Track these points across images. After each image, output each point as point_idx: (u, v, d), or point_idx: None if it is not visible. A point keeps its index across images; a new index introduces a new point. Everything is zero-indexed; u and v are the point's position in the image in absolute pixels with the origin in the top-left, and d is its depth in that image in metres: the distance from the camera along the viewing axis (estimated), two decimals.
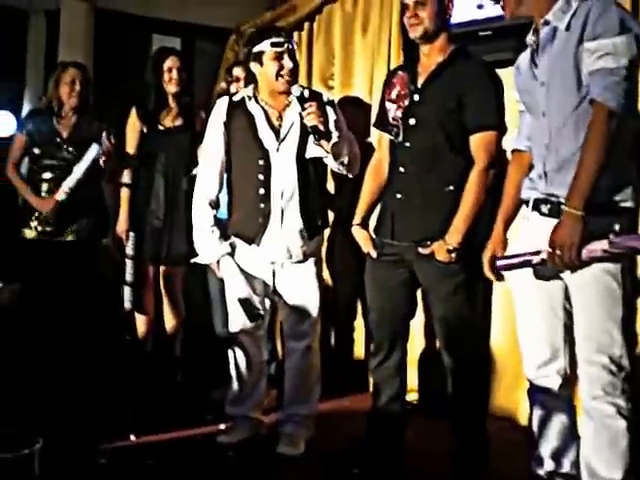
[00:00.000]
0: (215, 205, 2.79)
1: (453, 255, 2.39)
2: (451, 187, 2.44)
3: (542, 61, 1.99)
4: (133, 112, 3.41)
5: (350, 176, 2.83)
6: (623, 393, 1.90)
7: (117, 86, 4.34)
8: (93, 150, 3.29)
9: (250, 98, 2.73)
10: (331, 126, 2.67)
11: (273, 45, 2.61)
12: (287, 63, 2.64)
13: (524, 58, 2.11)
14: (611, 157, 1.80)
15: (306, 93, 2.63)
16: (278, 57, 2.63)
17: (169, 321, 3.52)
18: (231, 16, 4.74)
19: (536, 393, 2.13)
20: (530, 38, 2.05)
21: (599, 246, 1.79)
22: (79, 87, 3.46)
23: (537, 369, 2.10)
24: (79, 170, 3.31)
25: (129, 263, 3.32)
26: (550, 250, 1.83)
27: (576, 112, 1.89)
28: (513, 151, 2.23)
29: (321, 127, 2.54)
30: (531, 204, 2.05)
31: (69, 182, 3.31)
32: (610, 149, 1.79)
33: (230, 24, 4.85)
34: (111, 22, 4.67)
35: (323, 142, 2.59)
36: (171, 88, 3.38)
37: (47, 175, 3.41)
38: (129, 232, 3.35)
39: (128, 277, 3.32)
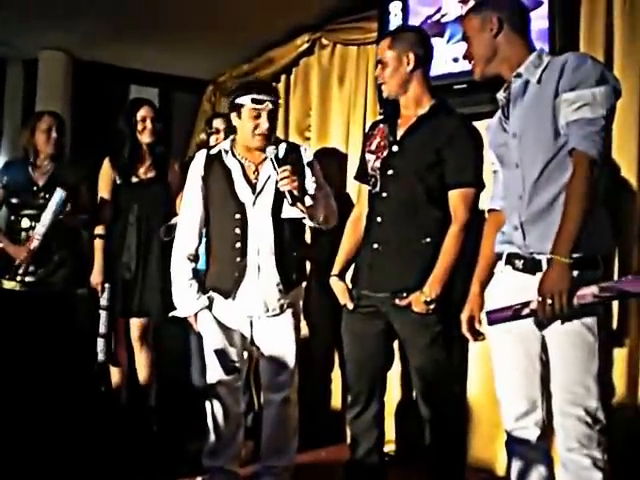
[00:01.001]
0: (194, 259, 2.77)
1: (430, 307, 2.40)
2: (428, 239, 2.46)
3: (513, 114, 2.01)
4: (106, 162, 3.44)
5: (325, 229, 2.85)
6: (599, 445, 1.89)
7: (94, 136, 4.35)
8: (57, 195, 3.29)
9: (227, 152, 2.72)
10: (307, 185, 2.68)
11: (253, 101, 2.60)
12: (263, 123, 2.61)
13: (495, 117, 2.14)
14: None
15: (281, 152, 2.61)
16: (256, 115, 2.61)
17: (141, 372, 3.49)
18: (208, 68, 4.83)
19: (514, 444, 2.11)
20: (501, 94, 2.08)
21: (589, 291, 1.78)
22: (55, 135, 3.48)
23: (515, 421, 2.08)
24: (46, 216, 3.29)
25: (103, 314, 3.31)
26: (540, 299, 1.81)
27: (552, 163, 1.91)
28: (489, 211, 2.25)
29: (295, 192, 2.52)
30: (504, 258, 2.06)
31: (39, 229, 3.30)
32: (593, 197, 1.81)
33: (207, 76, 4.94)
34: (89, 72, 4.73)
35: (298, 204, 2.58)
36: (145, 138, 3.41)
37: (25, 223, 3.40)
38: (104, 283, 3.34)
39: (102, 329, 3.30)
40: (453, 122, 2.50)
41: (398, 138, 2.55)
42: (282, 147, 2.68)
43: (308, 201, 2.61)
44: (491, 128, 2.15)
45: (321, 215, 2.70)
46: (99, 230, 3.41)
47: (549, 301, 1.79)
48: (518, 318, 1.91)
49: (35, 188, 3.43)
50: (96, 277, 3.36)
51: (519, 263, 2.00)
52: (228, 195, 2.68)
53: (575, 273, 1.81)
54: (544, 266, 1.90)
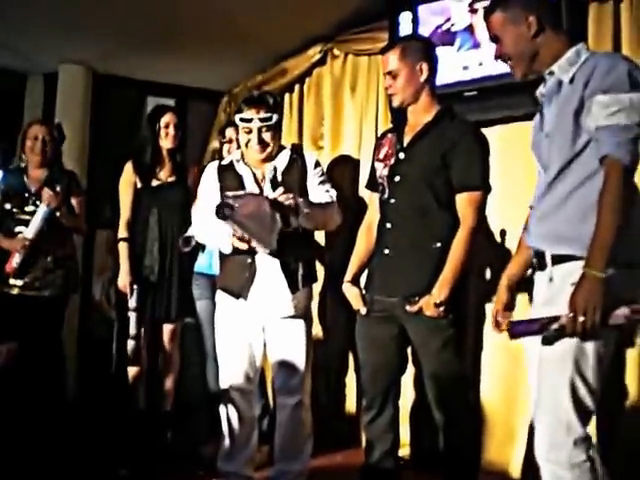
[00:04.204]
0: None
1: (441, 309, 2.42)
2: (438, 244, 2.48)
3: (548, 113, 1.94)
4: (129, 166, 3.48)
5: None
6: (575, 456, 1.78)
7: (113, 145, 4.44)
8: (46, 190, 3.39)
9: (238, 161, 2.79)
10: (310, 188, 2.74)
11: (241, 120, 2.70)
12: (253, 139, 2.68)
13: (536, 117, 2.05)
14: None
15: (282, 167, 2.72)
16: (247, 131, 2.70)
17: (167, 376, 3.53)
18: (223, 79, 4.88)
19: None
20: (539, 91, 2.00)
21: (620, 312, 1.69)
22: (41, 143, 3.54)
23: None
24: (34, 221, 3.39)
25: (132, 316, 3.33)
26: (571, 315, 1.70)
27: (570, 165, 1.84)
28: (530, 207, 2.14)
29: (291, 208, 2.53)
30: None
31: (27, 234, 3.39)
32: (628, 207, 1.71)
33: (222, 86, 5.00)
34: (107, 85, 4.81)
35: (292, 219, 2.59)
36: (167, 144, 3.47)
37: (20, 229, 3.47)
38: (132, 285, 3.36)
39: (132, 330, 3.32)
40: (458, 127, 2.52)
41: (405, 145, 2.59)
42: (283, 161, 2.75)
43: (305, 210, 2.59)
44: (534, 127, 2.05)
45: (316, 222, 2.74)
46: (122, 233, 3.45)
47: (581, 318, 1.67)
48: (544, 332, 1.80)
49: (27, 194, 3.51)
50: (124, 279, 3.38)
51: (534, 261, 1.96)
52: None
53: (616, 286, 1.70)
54: (548, 263, 1.86)
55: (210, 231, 2.71)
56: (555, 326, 1.75)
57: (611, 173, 1.72)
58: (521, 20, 1.92)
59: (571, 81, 1.85)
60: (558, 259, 1.84)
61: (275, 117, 2.72)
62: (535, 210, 1.97)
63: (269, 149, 2.73)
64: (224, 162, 2.86)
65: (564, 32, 1.95)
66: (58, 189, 3.42)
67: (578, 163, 1.83)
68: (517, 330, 1.87)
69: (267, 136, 2.70)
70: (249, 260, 2.69)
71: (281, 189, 2.58)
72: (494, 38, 1.99)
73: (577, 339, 1.75)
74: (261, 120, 2.67)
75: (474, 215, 2.47)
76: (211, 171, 2.84)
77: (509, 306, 2.13)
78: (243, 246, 2.58)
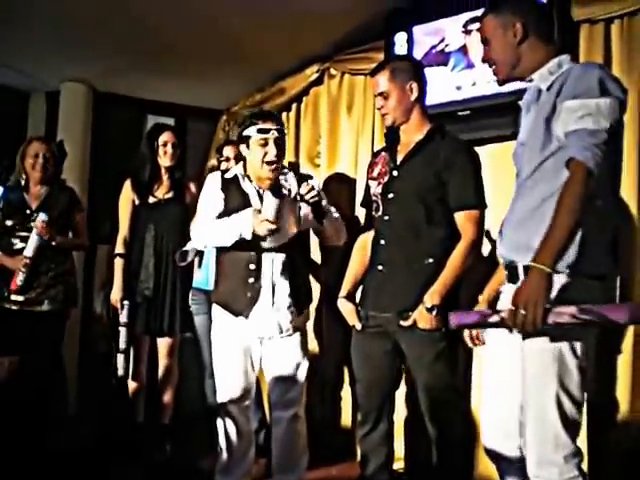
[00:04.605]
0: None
1: (434, 319, 2.45)
2: (431, 259, 2.53)
3: (525, 120, 1.97)
4: (127, 183, 3.54)
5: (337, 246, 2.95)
6: (566, 463, 1.79)
7: (113, 162, 4.49)
8: (39, 218, 3.43)
9: (243, 177, 2.77)
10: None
11: (259, 131, 2.65)
12: (271, 150, 2.65)
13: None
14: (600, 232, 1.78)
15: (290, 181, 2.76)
16: (263, 144, 2.66)
17: (165, 391, 3.56)
18: (222, 97, 4.93)
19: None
20: (525, 98, 2.03)
21: (567, 310, 1.65)
22: (42, 160, 3.60)
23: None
24: (32, 238, 3.44)
25: (122, 331, 3.38)
26: (513, 308, 1.69)
27: (537, 171, 1.85)
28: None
29: (321, 204, 2.66)
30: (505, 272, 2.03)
31: (26, 251, 3.43)
32: (583, 209, 1.70)
33: (221, 105, 5.05)
34: (108, 103, 4.87)
35: (318, 223, 2.70)
36: (165, 162, 3.52)
37: (20, 245, 3.51)
38: (123, 300, 3.41)
39: (121, 345, 3.37)
40: (450, 145, 2.57)
41: (398, 163, 2.64)
42: (290, 179, 2.78)
43: (334, 214, 2.73)
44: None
45: (336, 230, 2.83)
46: (119, 249, 3.50)
47: (522, 311, 1.66)
48: (485, 325, 1.82)
49: (28, 211, 3.55)
50: (115, 294, 3.44)
51: (505, 273, 1.98)
52: None
53: (559, 286, 1.73)
54: (521, 275, 1.85)
55: (227, 225, 2.67)
56: (495, 318, 1.75)
57: (574, 175, 1.71)
58: (509, 26, 1.96)
59: (548, 89, 1.88)
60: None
61: (285, 133, 2.77)
62: (505, 221, 1.98)
63: (281, 164, 2.74)
64: (227, 175, 2.83)
65: (551, 43, 1.98)
66: (45, 218, 3.44)
67: (546, 170, 1.83)
68: (457, 320, 1.86)
69: (281, 149, 2.71)
70: (252, 280, 2.71)
71: (309, 185, 2.64)
72: (484, 41, 2.03)
73: (559, 351, 1.77)
74: (278, 131, 2.68)
75: (474, 229, 2.52)
76: (215, 181, 2.82)
77: None
78: (270, 227, 2.55)
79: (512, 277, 1.91)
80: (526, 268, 1.76)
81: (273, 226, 2.55)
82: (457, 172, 2.52)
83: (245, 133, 2.71)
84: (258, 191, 2.75)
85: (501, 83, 2.05)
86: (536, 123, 1.88)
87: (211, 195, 2.80)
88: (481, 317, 1.79)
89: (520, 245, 1.86)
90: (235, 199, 2.75)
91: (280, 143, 2.70)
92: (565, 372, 1.79)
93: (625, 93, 1.80)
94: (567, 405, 1.80)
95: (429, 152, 2.57)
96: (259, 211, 2.59)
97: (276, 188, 2.59)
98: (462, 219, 2.53)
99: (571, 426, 1.82)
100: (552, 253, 1.68)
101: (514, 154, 2.04)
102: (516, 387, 1.91)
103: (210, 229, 2.74)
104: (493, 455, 2.04)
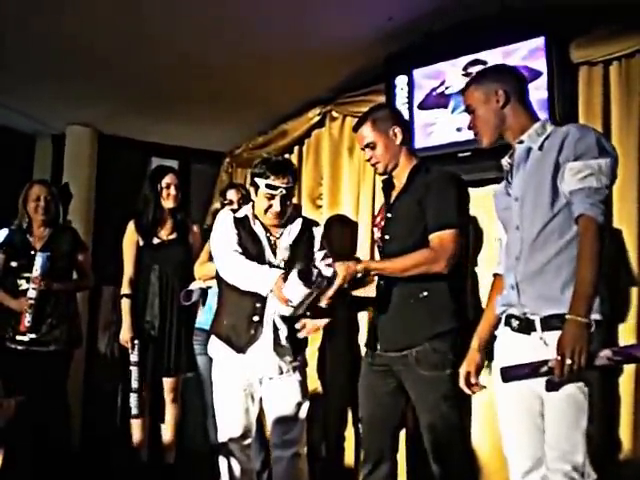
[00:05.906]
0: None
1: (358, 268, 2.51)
2: (425, 293, 2.54)
3: (516, 178, 2.10)
4: (131, 225, 3.58)
5: None
6: None
7: (118, 203, 4.54)
8: (39, 259, 3.48)
9: (254, 218, 2.80)
10: (317, 258, 2.82)
11: (267, 187, 2.69)
12: (275, 206, 2.70)
13: (501, 184, 2.23)
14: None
15: (295, 231, 2.79)
16: (270, 197, 2.70)
17: (167, 429, 3.56)
18: (225, 140, 5.01)
19: None
20: (505, 160, 2.18)
21: (603, 354, 1.83)
22: (44, 203, 3.66)
23: (522, 477, 2.10)
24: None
25: (134, 370, 3.38)
26: (559, 358, 1.83)
27: (549, 226, 1.99)
28: (494, 275, 2.32)
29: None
30: (503, 320, 2.14)
31: (30, 292, 3.47)
32: (603, 259, 1.87)
33: (224, 148, 5.12)
34: (113, 146, 4.95)
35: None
36: (168, 203, 3.58)
37: (25, 286, 3.54)
38: (134, 340, 3.43)
39: (134, 384, 3.37)
40: (431, 176, 2.61)
41: (391, 204, 2.70)
42: (295, 230, 2.81)
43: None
44: (497, 193, 2.24)
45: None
46: (125, 289, 3.53)
47: (569, 361, 1.81)
48: (536, 376, 1.93)
49: (32, 252, 3.59)
50: (125, 334, 3.45)
51: (515, 323, 2.07)
52: (256, 257, 2.72)
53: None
54: (537, 326, 1.98)
55: (249, 272, 2.64)
56: (545, 369, 1.88)
57: (587, 230, 1.89)
58: (492, 93, 2.14)
59: (540, 148, 2.05)
60: (548, 323, 1.96)
61: (294, 186, 2.80)
62: (513, 273, 2.08)
63: (285, 217, 2.79)
64: (238, 215, 2.84)
65: (527, 107, 2.16)
66: (41, 270, 3.47)
67: (558, 225, 1.99)
68: (510, 374, 1.98)
69: (285, 203, 2.74)
70: (256, 318, 2.72)
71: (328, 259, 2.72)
72: (469, 110, 2.21)
73: (576, 390, 1.90)
74: (286, 189, 2.72)
75: (445, 250, 2.48)
76: (228, 219, 2.81)
77: (479, 366, 2.26)
78: (290, 311, 2.56)
79: (528, 327, 2.02)
80: (549, 318, 1.95)
81: (292, 310, 2.56)
82: (434, 196, 2.54)
83: (255, 180, 2.75)
84: (268, 237, 2.79)
85: (488, 145, 2.20)
86: (537, 181, 2.02)
87: (227, 229, 2.79)
88: (532, 370, 1.92)
89: (538, 296, 1.99)
90: (246, 238, 2.77)
91: (287, 197, 2.74)
92: (584, 414, 1.91)
93: (615, 150, 2.00)
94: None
95: (415, 186, 2.61)
96: (285, 277, 2.54)
97: (307, 275, 2.49)
98: (435, 240, 2.50)
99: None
100: (585, 304, 1.85)
101: (501, 208, 2.19)
102: (531, 425, 2.06)
103: (232, 265, 2.71)
104: None
